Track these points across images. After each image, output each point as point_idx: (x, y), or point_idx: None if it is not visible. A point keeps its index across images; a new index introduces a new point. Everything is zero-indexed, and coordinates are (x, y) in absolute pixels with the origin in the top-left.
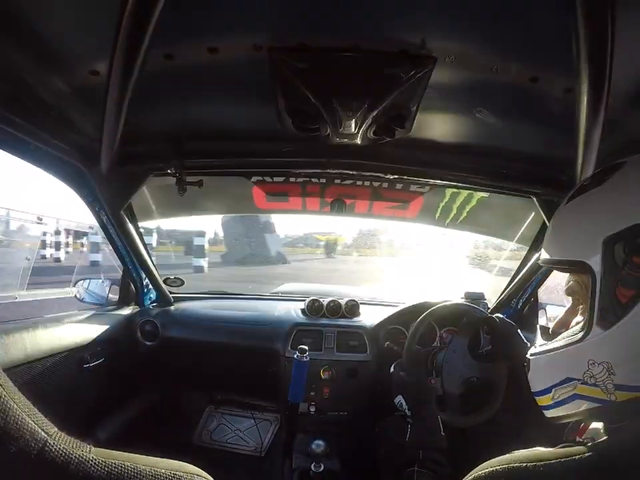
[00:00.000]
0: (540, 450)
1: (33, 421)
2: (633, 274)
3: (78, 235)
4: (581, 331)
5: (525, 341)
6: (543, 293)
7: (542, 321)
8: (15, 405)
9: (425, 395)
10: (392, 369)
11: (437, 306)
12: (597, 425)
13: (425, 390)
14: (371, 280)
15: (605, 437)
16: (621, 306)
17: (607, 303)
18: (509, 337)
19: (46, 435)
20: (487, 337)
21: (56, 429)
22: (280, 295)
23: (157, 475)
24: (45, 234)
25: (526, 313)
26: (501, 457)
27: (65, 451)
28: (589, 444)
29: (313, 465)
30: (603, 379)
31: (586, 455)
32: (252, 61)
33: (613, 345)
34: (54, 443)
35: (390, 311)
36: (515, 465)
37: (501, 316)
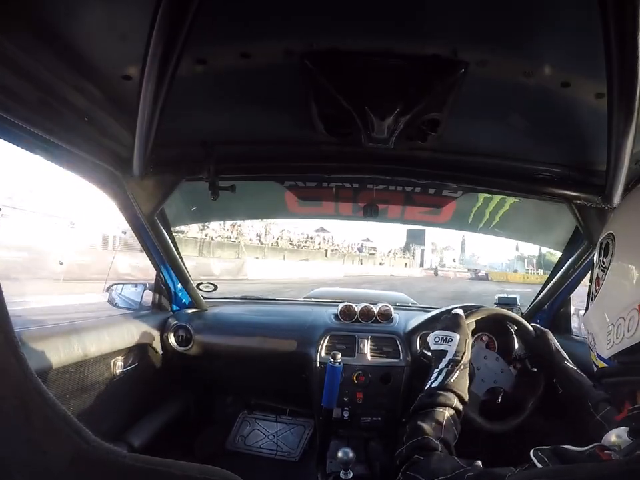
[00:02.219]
0: (570, 466)
1: (69, 426)
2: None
3: None
4: None
5: (559, 347)
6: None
7: (575, 326)
8: (51, 410)
9: (471, 406)
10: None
11: (470, 311)
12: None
13: (472, 400)
14: None
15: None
16: None
17: None
18: (543, 343)
19: (81, 441)
20: (520, 343)
21: (91, 434)
22: (312, 300)
23: (188, 479)
24: None
25: (559, 317)
26: (529, 471)
27: (99, 456)
28: (620, 459)
29: (341, 472)
30: None
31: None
32: (284, 66)
33: None
34: (89, 449)
35: (424, 316)
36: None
37: (536, 325)
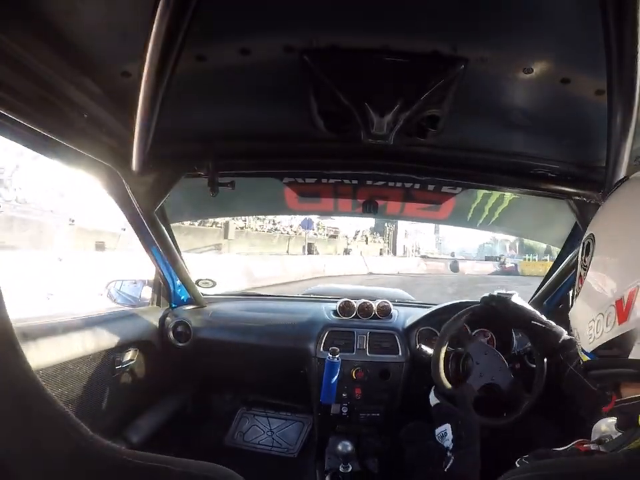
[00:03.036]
0: (563, 460)
1: (67, 422)
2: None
3: None
4: None
5: (561, 330)
6: None
7: None
8: (49, 407)
9: (474, 428)
10: (432, 400)
11: (469, 307)
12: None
13: (474, 422)
14: None
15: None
16: None
17: None
18: (543, 335)
19: (79, 437)
20: (519, 338)
21: (89, 431)
22: (311, 296)
23: (189, 476)
24: None
25: (558, 314)
26: (536, 463)
27: (98, 452)
28: (618, 452)
29: (341, 465)
30: None
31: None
32: (283, 62)
33: None
34: (87, 445)
35: (422, 312)
36: (549, 472)
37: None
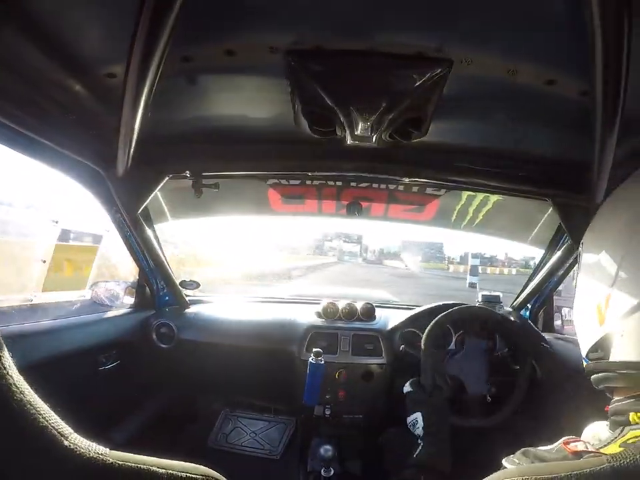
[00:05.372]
0: (552, 464)
1: (51, 424)
2: None
3: None
4: None
5: (542, 335)
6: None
7: (558, 323)
8: (32, 408)
9: (444, 415)
10: (406, 388)
11: (453, 309)
12: (600, 429)
13: (444, 409)
14: None
15: (615, 445)
16: None
17: None
18: (525, 337)
19: (63, 438)
20: (502, 340)
21: (72, 432)
22: (295, 298)
23: (173, 477)
24: None
25: (542, 315)
26: (512, 468)
27: (81, 454)
28: (603, 457)
29: (323, 469)
30: None
31: (597, 469)
32: (269, 64)
33: None
34: (71, 446)
35: (406, 314)
36: (524, 477)
37: (514, 320)
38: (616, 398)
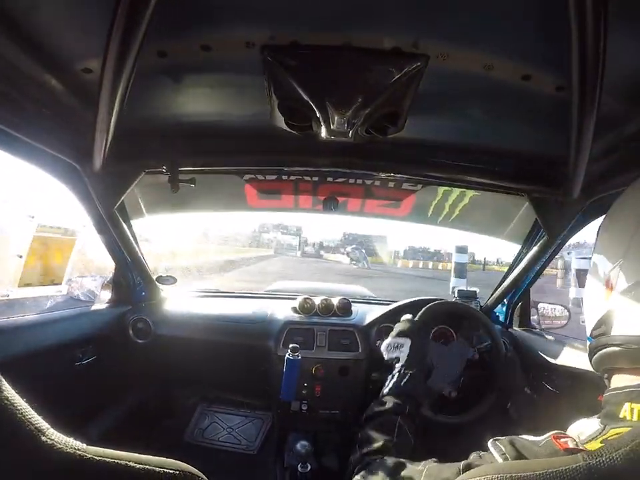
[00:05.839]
0: (530, 462)
1: (27, 419)
2: None
3: None
4: None
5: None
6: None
7: (534, 318)
8: (9, 403)
9: (425, 353)
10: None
11: (432, 304)
12: (588, 424)
13: (425, 349)
14: None
15: (596, 442)
16: None
17: None
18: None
19: (40, 434)
20: (478, 335)
21: (49, 427)
22: (272, 293)
23: (149, 472)
24: None
25: (518, 311)
26: (487, 466)
27: (58, 448)
28: (580, 454)
29: (299, 465)
30: None
31: (574, 466)
32: (245, 59)
33: None
34: (48, 441)
35: (382, 310)
36: (500, 475)
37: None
38: (612, 386)
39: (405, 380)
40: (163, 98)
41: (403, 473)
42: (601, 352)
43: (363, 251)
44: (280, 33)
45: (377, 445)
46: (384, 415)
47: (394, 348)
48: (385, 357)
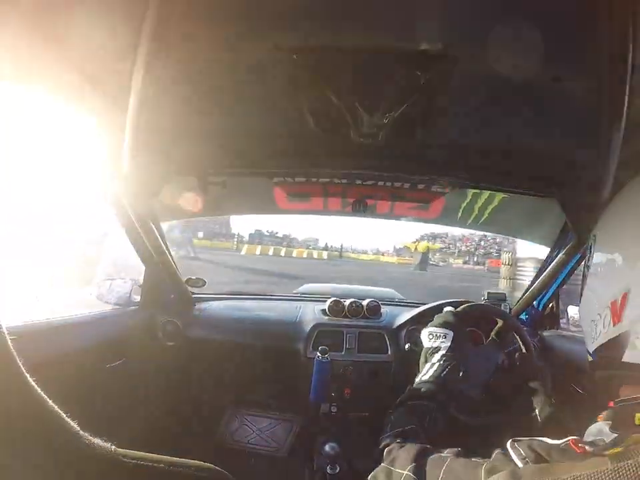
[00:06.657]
0: (555, 465)
1: (58, 421)
2: None
3: None
4: None
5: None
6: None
7: (563, 322)
8: (42, 406)
9: (458, 390)
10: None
11: (462, 306)
12: (603, 429)
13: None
14: None
15: (614, 441)
16: None
17: None
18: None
19: (69, 436)
20: (512, 340)
21: (79, 430)
22: (301, 295)
23: (177, 474)
24: None
25: (547, 313)
26: (508, 472)
27: (88, 451)
28: (606, 459)
29: (328, 467)
30: None
31: (601, 469)
32: (273, 61)
33: None
34: (78, 444)
35: (411, 312)
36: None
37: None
38: (622, 397)
39: (446, 371)
40: (192, 101)
41: (429, 458)
42: (608, 372)
43: None
44: (309, 36)
45: (408, 427)
46: (420, 400)
47: (436, 337)
48: (425, 344)
